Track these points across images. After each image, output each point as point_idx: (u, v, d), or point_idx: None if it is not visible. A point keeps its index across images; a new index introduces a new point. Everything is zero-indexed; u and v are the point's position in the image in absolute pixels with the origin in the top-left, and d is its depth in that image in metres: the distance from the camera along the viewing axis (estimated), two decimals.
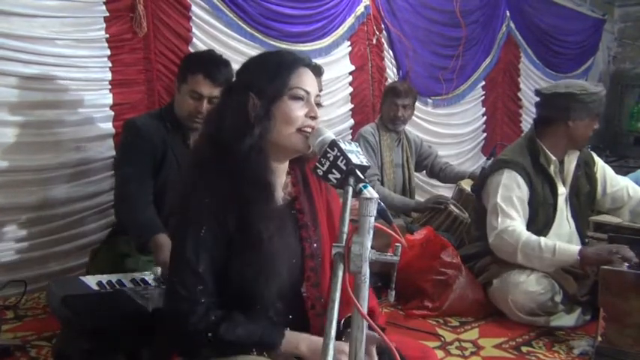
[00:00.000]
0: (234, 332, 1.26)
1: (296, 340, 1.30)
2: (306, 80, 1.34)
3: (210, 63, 2.37)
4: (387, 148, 3.50)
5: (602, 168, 2.82)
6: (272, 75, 1.32)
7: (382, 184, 3.42)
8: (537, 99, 2.76)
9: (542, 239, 2.49)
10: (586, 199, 2.79)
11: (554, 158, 2.64)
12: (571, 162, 2.71)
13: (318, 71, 2.92)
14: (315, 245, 1.41)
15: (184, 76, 2.37)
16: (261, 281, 1.30)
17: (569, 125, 2.59)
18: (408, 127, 3.71)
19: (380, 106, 3.64)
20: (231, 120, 1.33)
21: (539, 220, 2.62)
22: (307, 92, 1.33)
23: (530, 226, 2.58)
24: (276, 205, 1.36)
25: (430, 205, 3.36)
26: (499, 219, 2.55)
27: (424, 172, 3.90)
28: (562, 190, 2.68)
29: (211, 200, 1.29)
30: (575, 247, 2.47)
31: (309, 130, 1.31)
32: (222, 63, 2.39)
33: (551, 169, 2.65)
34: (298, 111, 1.32)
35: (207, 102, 2.33)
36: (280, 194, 1.40)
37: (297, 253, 1.39)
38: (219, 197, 1.29)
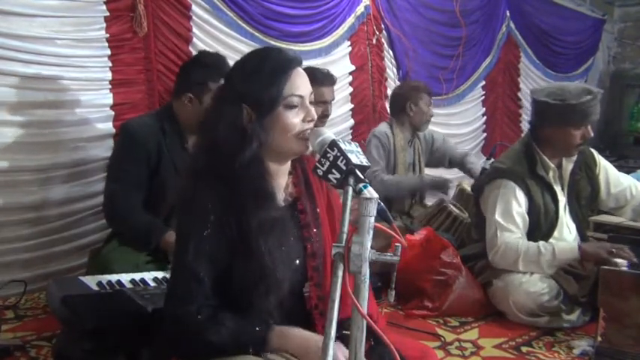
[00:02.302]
0: (219, 333, 1.25)
1: (285, 336, 1.29)
2: (299, 84, 1.32)
3: (220, 63, 2.37)
4: (401, 149, 3.48)
5: (604, 169, 2.78)
6: (265, 85, 1.29)
7: None
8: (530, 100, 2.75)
9: (541, 243, 2.49)
10: (588, 201, 2.78)
11: (552, 165, 2.62)
12: (568, 167, 2.68)
13: (331, 80, 2.95)
14: (317, 245, 1.41)
15: (205, 85, 2.32)
16: (261, 290, 1.30)
17: (547, 132, 2.57)
18: None
19: (405, 105, 3.42)
20: (227, 132, 1.30)
21: (542, 229, 2.60)
22: (301, 97, 1.32)
23: (533, 235, 2.57)
24: (277, 208, 1.35)
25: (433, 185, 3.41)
26: (497, 235, 2.54)
27: (441, 167, 3.87)
28: (561, 197, 2.66)
29: (214, 202, 1.29)
30: (574, 244, 2.47)
31: (307, 133, 1.31)
32: (222, 57, 2.43)
33: (550, 176, 2.62)
34: (294, 118, 1.31)
35: None
36: (282, 195, 1.40)
37: (299, 254, 1.39)
38: (221, 200, 1.29)
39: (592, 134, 2.55)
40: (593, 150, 2.82)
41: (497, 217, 2.55)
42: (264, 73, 1.31)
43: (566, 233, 2.67)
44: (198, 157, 1.38)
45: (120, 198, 2.32)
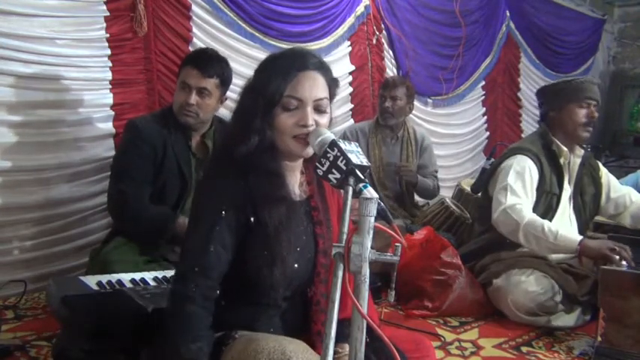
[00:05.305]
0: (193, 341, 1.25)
1: None
2: (302, 88, 1.33)
3: (202, 56, 2.41)
4: (377, 145, 3.42)
5: (607, 174, 2.87)
6: (269, 82, 1.33)
7: (371, 183, 3.32)
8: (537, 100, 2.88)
9: (546, 222, 2.50)
10: (591, 201, 2.81)
11: (565, 149, 2.68)
12: (576, 161, 2.74)
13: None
14: (327, 244, 1.43)
15: (179, 71, 2.42)
16: (266, 264, 1.32)
17: (552, 116, 2.67)
18: (416, 127, 3.65)
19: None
20: (236, 119, 1.39)
21: (540, 207, 2.63)
22: (300, 100, 1.32)
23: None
24: (290, 197, 1.39)
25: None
26: (507, 196, 2.56)
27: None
28: (567, 186, 2.71)
29: (230, 188, 1.32)
30: (577, 237, 2.47)
31: (302, 136, 1.31)
32: (214, 58, 2.41)
33: (562, 159, 2.68)
34: (288, 120, 1.32)
35: (197, 94, 2.34)
36: (297, 191, 1.43)
37: (311, 248, 1.41)
38: (237, 185, 1.32)
39: (597, 115, 2.66)
40: (596, 160, 2.92)
41: (510, 180, 2.59)
42: (273, 70, 1.35)
43: (566, 224, 2.70)
44: (220, 144, 1.43)
45: (130, 197, 2.31)
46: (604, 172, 2.87)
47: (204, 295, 1.28)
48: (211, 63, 2.36)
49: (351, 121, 4.22)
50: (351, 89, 4.19)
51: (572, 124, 2.63)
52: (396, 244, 1.07)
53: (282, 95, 1.32)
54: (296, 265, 1.36)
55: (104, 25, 2.81)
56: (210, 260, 1.29)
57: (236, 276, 1.34)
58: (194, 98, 2.33)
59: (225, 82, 2.41)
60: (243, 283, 1.35)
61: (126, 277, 1.93)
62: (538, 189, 2.63)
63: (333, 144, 1.15)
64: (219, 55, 2.45)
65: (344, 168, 1.12)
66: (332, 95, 1.40)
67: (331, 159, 1.14)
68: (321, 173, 1.15)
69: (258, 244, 1.32)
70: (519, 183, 2.58)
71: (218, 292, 1.32)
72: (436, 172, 3.58)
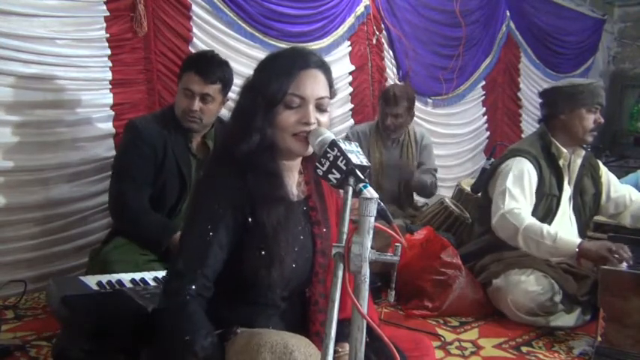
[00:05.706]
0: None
1: None
2: (304, 86, 1.33)
3: (203, 61, 2.39)
4: (377, 148, 3.41)
5: (607, 174, 2.86)
6: (271, 80, 1.33)
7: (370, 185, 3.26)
8: (539, 100, 2.83)
9: (545, 226, 2.49)
10: (591, 201, 2.81)
11: (565, 151, 2.67)
12: (576, 161, 2.73)
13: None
14: (326, 244, 1.43)
15: (180, 74, 2.41)
16: (264, 265, 1.31)
17: (561, 118, 2.64)
18: (416, 127, 3.62)
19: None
20: (235, 119, 1.39)
21: (540, 209, 2.63)
22: (303, 98, 1.33)
23: (531, 214, 2.59)
24: (288, 197, 1.39)
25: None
26: (506, 201, 2.56)
27: None
28: (567, 187, 2.71)
29: (228, 187, 1.32)
30: (576, 240, 2.47)
31: (303, 134, 1.32)
32: (215, 62, 2.39)
33: (561, 162, 2.68)
34: (290, 118, 1.32)
35: (200, 100, 2.33)
36: (295, 191, 1.43)
37: (309, 249, 1.41)
38: (236, 185, 1.32)
39: (602, 120, 2.66)
40: (596, 160, 2.91)
41: (509, 184, 2.58)
42: (274, 69, 1.35)
43: (566, 224, 2.70)
44: (219, 144, 1.43)
45: (129, 199, 2.31)
46: (604, 171, 2.86)
47: (201, 294, 1.29)
48: (213, 69, 2.35)
49: (351, 121, 4.22)
50: (351, 89, 4.20)
51: (581, 129, 2.62)
52: (396, 244, 1.07)
53: (286, 93, 1.32)
54: (294, 266, 1.36)
55: (104, 25, 2.81)
56: (206, 259, 1.29)
57: (232, 276, 1.34)
58: (197, 105, 2.32)
59: (227, 86, 2.41)
60: (239, 283, 1.35)
61: (126, 277, 1.93)
62: (537, 191, 2.62)
63: (333, 144, 1.15)
64: (220, 59, 2.43)
65: (344, 168, 1.12)
66: (332, 94, 1.40)
67: (331, 159, 1.14)
68: (321, 173, 1.15)
69: (256, 245, 1.32)
70: (518, 187, 2.57)
71: (212, 291, 1.31)
72: (435, 170, 3.57)
